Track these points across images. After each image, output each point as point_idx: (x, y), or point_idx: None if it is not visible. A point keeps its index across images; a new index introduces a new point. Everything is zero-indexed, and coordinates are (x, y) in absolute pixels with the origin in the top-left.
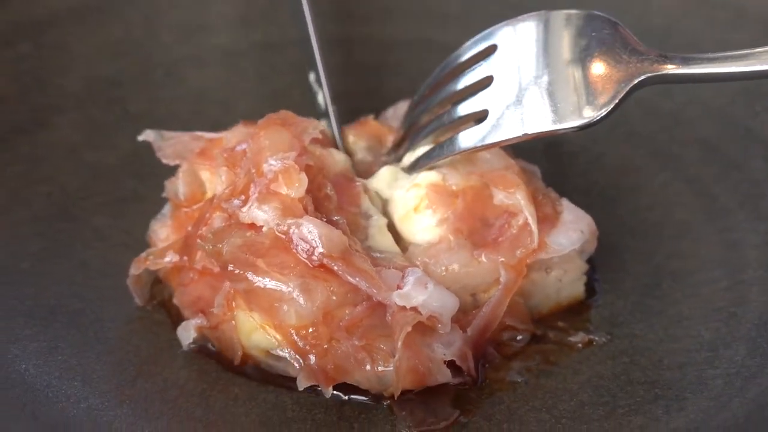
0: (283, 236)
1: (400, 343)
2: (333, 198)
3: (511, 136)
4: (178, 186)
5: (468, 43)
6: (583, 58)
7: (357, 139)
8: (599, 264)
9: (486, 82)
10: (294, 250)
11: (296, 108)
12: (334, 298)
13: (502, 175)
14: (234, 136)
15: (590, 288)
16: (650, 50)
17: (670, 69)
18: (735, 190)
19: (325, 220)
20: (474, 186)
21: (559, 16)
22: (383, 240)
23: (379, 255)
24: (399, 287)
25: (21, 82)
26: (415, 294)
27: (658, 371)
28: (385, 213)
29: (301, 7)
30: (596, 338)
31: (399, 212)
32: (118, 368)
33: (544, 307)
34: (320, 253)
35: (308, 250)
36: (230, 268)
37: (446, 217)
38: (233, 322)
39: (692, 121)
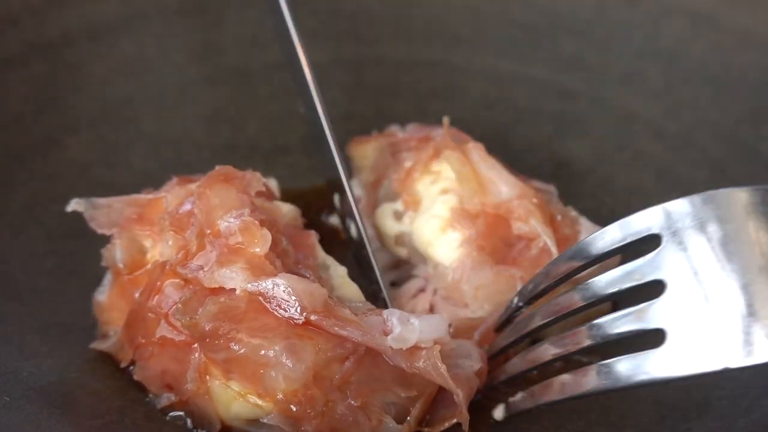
0: (260, 297)
1: (450, 381)
2: (291, 252)
3: (705, 369)
4: (116, 253)
5: (608, 229)
6: None
7: (363, 154)
8: None
9: (654, 288)
10: (274, 311)
11: (307, 129)
12: (321, 355)
13: (516, 207)
14: (174, 198)
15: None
16: None
17: None
18: None
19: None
20: (491, 213)
21: (738, 196)
22: (350, 289)
23: (350, 304)
24: (385, 332)
25: (35, 102)
26: (408, 334)
27: (665, 392)
28: (400, 244)
29: (287, 30)
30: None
31: (424, 238)
32: (134, 385)
33: None
34: (303, 310)
35: (290, 308)
36: (208, 339)
37: (470, 236)
38: (207, 395)
39: (699, 143)
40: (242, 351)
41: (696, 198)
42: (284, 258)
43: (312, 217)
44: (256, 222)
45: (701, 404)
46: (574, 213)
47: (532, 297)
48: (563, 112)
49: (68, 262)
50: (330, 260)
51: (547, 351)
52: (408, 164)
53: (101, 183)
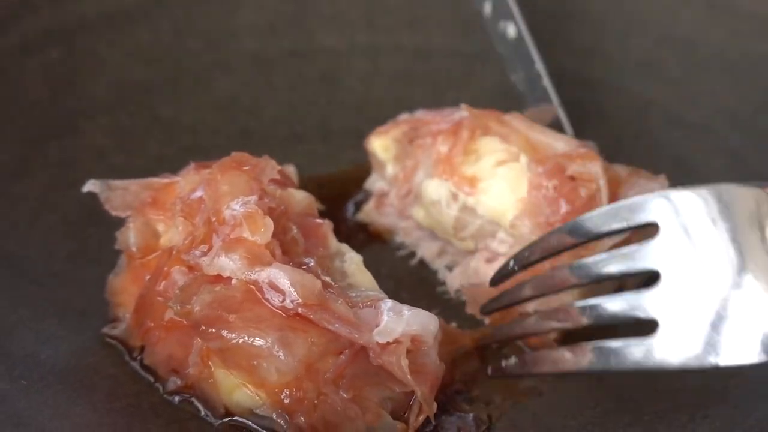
0: (253, 287)
1: (409, 377)
2: (300, 241)
3: (696, 364)
4: (130, 236)
5: (607, 209)
6: None
7: (385, 146)
8: None
9: (649, 278)
10: (265, 301)
11: (324, 115)
12: (314, 349)
13: (576, 151)
14: (187, 183)
15: None
16: None
17: None
18: None
19: (291, 264)
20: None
21: (737, 193)
22: (363, 277)
23: (355, 295)
24: (377, 325)
25: (51, 88)
26: (394, 325)
27: (683, 379)
28: (461, 227)
29: None
30: None
31: (499, 208)
32: (150, 370)
33: None
34: (294, 302)
35: (281, 299)
36: (202, 327)
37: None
38: (212, 380)
39: (718, 132)
40: (235, 341)
41: (702, 191)
42: (293, 246)
43: (328, 205)
44: (260, 210)
45: (719, 392)
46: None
47: (527, 263)
48: (580, 101)
49: (85, 247)
50: (345, 248)
51: (538, 323)
52: (443, 148)
53: (118, 168)
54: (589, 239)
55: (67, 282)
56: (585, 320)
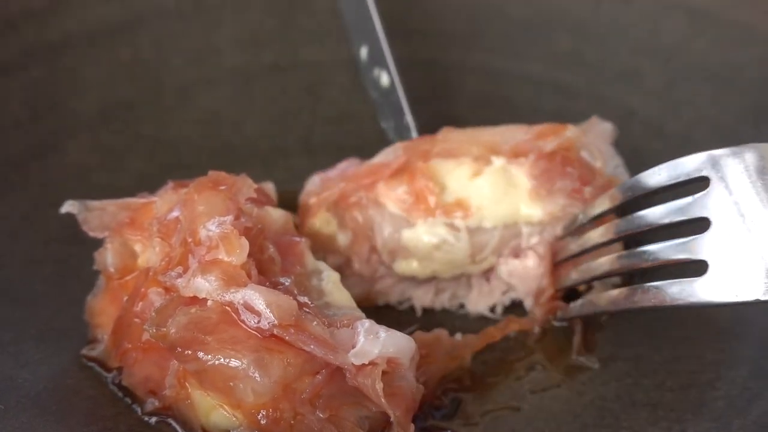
0: (229, 308)
1: (383, 400)
2: (277, 260)
3: (741, 299)
4: (107, 257)
5: (663, 166)
6: None
7: (327, 220)
8: None
9: (700, 225)
10: (241, 323)
11: (307, 129)
12: (291, 369)
13: (545, 128)
14: (164, 203)
15: None
16: None
17: None
18: None
19: (268, 284)
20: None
21: None
22: (340, 295)
23: (333, 313)
24: (354, 346)
25: (33, 106)
26: (370, 347)
27: (661, 392)
28: (479, 249)
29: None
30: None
31: (511, 210)
32: (128, 392)
33: None
34: (270, 323)
35: (257, 320)
36: (178, 349)
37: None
38: (189, 401)
39: (699, 141)
40: (211, 362)
41: (744, 148)
42: (270, 265)
43: None
44: (236, 231)
45: (697, 405)
46: None
47: (593, 217)
48: (560, 110)
49: (66, 267)
50: (322, 266)
51: (603, 267)
52: (401, 191)
53: (100, 187)
54: (648, 193)
55: (47, 302)
56: (646, 263)
